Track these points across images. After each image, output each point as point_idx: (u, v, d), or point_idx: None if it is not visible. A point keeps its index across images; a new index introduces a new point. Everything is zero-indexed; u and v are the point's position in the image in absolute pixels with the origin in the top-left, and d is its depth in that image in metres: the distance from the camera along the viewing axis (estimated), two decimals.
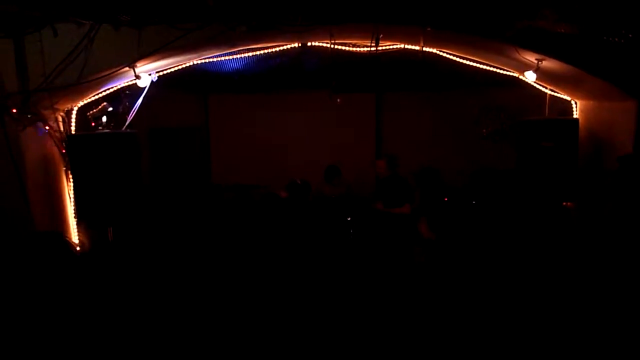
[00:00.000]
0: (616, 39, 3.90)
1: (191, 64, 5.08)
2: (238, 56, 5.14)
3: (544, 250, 5.22)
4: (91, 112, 4.69)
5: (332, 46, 4.66)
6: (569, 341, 3.86)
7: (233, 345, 4.05)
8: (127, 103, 4.99)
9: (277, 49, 5.00)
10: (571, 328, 4.00)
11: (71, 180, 4.73)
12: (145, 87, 4.68)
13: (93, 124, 4.68)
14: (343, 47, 4.96)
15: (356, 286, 5.02)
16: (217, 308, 4.65)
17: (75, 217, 4.81)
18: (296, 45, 4.95)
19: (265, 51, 5.03)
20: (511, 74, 5.38)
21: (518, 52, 4.53)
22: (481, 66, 5.34)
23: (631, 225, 4.28)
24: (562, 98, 5.70)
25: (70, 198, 4.82)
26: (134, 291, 4.57)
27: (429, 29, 4.22)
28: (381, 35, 4.22)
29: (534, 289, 4.68)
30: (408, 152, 7.28)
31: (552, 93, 5.58)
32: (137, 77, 4.45)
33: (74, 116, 4.84)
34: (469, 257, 5.43)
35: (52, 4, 3.68)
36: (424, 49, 4.81)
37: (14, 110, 4.07)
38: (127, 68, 4.29)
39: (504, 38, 4.29)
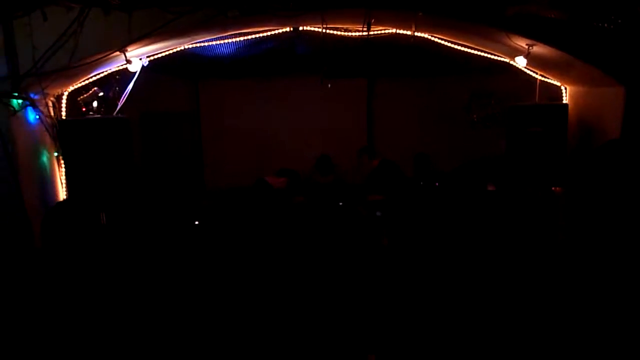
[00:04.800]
0: (605, 25, 3.94)
1: (182, 48, 5.05)
2: (229, 41, 5.11)
3: (531, 235, 5.30)
4: (82, 97, 4.67)
5: (324, 31, 4.65)
6: (553, 329, 3.92)
7: (229, 343, 4.02)
8: (118, 88, 4.97)
9: (269, 33, 4.99)
10: (555, 313, 4.06)
11: (63, 165, 4.72)
12: (136, 71, 4.66)
13: (84, 109, 4.66)
14: (335, 32, 4.95)
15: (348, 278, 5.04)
16: (208, 298, 4.66)
17: None
18: (288, 29, 4.94)
19: (257, 35, 5.01)
20: (502, 59, 5.41)
21: (509, 38, 4.55)
22: (472, 51, 5.36)
23: (618, 212, 4.35)
24: (552, 84, 5.74)
25: (62, 183, 4.82)
26: (126, 278, 4.59)
27: (420, 13, 4.22)
28: (373, 20, 4.22)
29: (522, 275, 4.75)
30: (399, 137, 7.34)
31: (542, 79, 5.62)
32: (128, 61, 4.43)
33: (64, 101, 4.81)
34: (458, 244, 5.51)
35: None
36: (416, 34, 4.82)
37: (4, 95, 4.04)
38: (117, 52, 4.27)
39: (495, 22, 4.30)
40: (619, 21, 3.88)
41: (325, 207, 6.05)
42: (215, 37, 4.97)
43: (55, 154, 4.77)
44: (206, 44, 5.11)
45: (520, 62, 4.90)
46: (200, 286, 4.84)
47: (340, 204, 6.18)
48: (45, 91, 4.39)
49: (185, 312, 4.36)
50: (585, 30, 4.18)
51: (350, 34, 4.98)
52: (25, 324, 3.75)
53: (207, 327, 4.15)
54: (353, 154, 6.61)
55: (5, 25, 3.96)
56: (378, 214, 5.74)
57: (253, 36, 5.02)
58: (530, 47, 4.68)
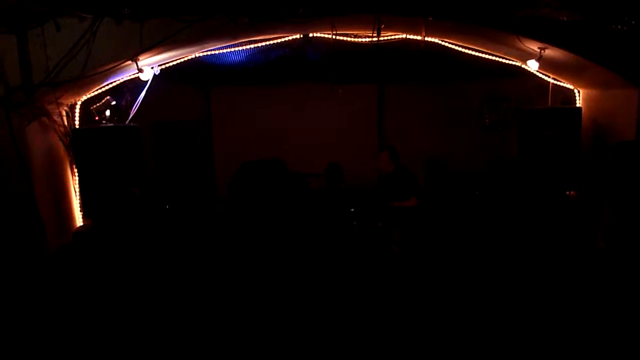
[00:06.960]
0: (619, 27, 3.89)
1: (193, 56, 5.09)
2: (239, 48, 5.14)
3: (546, 239, 5.23)
4: (94, 106, 4.72)
5: (334, 37, 4.66)
6: (567, 333, 3.85)
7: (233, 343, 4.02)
8: (130, 97, 5.02)
9: (279, 40, 5.01)
10: (570, 319, 4.00)
11: (76, 173, 4.77)
12: (148, 80, 4.70)
13: (97, 118, 4.71)
14: (345, 38, 4.95)
15: (356, 282, 5.00)
16: (217, 303, 4.65)
17: (80, 210, 4.85)
18: (298, 36, 4.95)
19: (267, 43, 5.03)
20: (514, 63, 5.37)
21: (520, 41, 4.52)
22: (484, 55, 5.33)
23: (630, 215, 4.27)
24: (565, 87, 5.69)
25: (75, 191, 4.86)
26: (136, 284, 4.60)
27: (430, 18, 4.21)
28: (382, 26, 4.21)
29: (536, 279, 4.68)
30: (410, 142, 7.29)
31: (555, 82, 5.57)
32: (140, 70, 4.47)
33: (77, 110, 4.87)
34: (472, 248, 5.45)
35: None
36: (426, 38, 4.81)
37: (19, 105, 4.09)
38: (129, 62, 4.31)
39: (506, 26, 4.27)
40: (633, 22, 3.83)
41: (335, 214, 6.03)
42: (226, 44, 5.00)
43: (69, 162, 4.81)
44: (217, 51, 5.14)
45: (532, 65, 4.86)
46: (212, 293, 4.83)
47: (352, 210, 6.14)
48: (59, 101, 4.44)
49: (198, 318, 4.36)
50: (598, 32, 4.14)
51: (360, 39, 4.98)
52: (33, 335, 3.77)
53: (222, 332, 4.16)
54: (364, 159, 6.60)
55: (19, 36, 4.01)
56: (379, 224, 5.70)
57: (263, 43, 5.04)
58: (542, 50, 4.65)
